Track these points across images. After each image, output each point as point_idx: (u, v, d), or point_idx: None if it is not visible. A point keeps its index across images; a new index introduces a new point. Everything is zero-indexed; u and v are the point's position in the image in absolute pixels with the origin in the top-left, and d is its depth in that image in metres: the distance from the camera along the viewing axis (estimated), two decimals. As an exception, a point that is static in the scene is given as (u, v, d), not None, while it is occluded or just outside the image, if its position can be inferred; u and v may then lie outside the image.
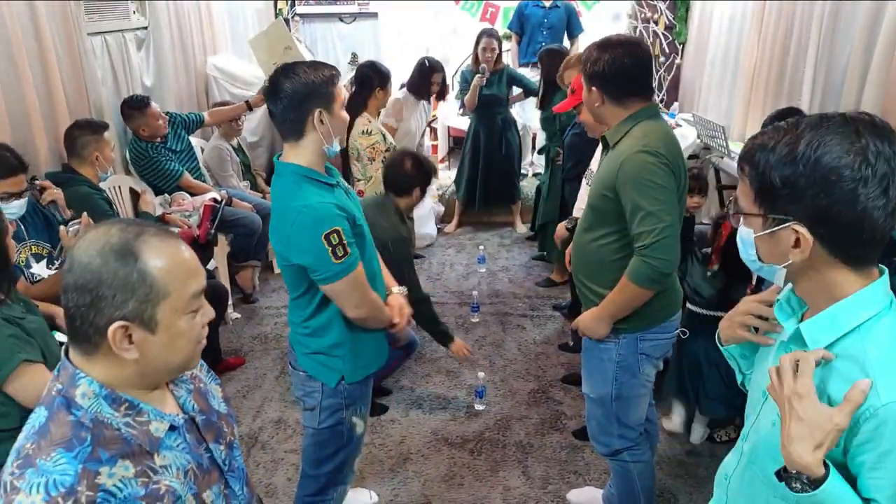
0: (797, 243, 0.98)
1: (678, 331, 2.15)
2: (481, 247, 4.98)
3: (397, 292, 2.13)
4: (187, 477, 1.03)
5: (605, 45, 1.95)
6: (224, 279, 3.92)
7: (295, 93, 1.75)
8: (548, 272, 4.66)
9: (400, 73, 4.68)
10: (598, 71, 1.92)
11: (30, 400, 1.67)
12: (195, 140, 4.33)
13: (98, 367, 0.97)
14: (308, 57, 4.86)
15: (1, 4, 2.86)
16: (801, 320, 1.07)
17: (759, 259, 1.06)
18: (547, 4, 5.54)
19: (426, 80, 4.26)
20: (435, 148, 6.26)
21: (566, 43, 5.62)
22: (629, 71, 1.91)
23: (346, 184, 1.98)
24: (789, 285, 1.11)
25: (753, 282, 2.59)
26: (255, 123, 4.95)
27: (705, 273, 2.76)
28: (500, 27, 6.42)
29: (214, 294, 3.42)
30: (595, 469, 2.80)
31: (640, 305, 1.96)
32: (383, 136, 3.38)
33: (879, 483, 0.93)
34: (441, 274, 4.76)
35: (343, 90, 1.86)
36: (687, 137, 4.47)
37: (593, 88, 1.95)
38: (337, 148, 1.87)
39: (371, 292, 1.91)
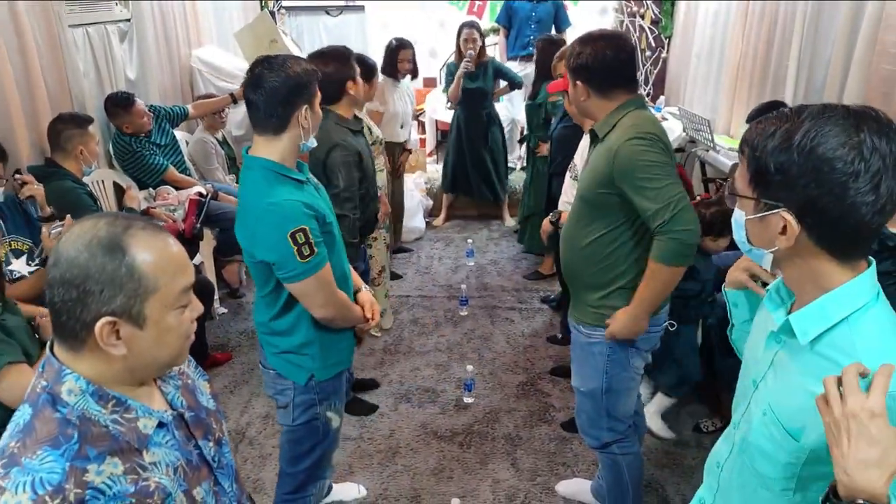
0: (784, 230, 0.98)
1: (667, 323, 2.16)
2: (470, 240, 4.98)
3: (366, 290, 2.12)
4: (177, 474, 1.01)
5: (588, 39, 1.95)
6: (210, 274, 3.89)
7: (283, 88, 1.72)
8: (536, 265, 4.67)
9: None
10: (582, 64, 1.92)
11: (14, 400, 1.65)
12: (180, 134, 4.28)
13: (85, 363, 0.95)
14: (294, 50, 4.83)
15: (-21, -4, 2.81)
16: (790, 311, 1.08)
17: (749, 242, 1.07)
18: None
19: (394, 58, 4.25)
20: (423, 141, 6.26)
21: (554, 37, 5.62)
22: (612, 63, 1.91)
23: (316, 180, 1.96)
24: (780, 276, 1.11)
25: None
26: (240, 117, 4.90)
27: None
28: (488, 21, 6.42)
29: (200, 289, 3.39)
30: (583, 460, 2.82)
31: (632, 299, 1.97)
32: (369, 129, 3.37)
33: None
34: (430, 267, 4.75)
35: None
36: (673, 131, 4.49)
37: (578, 83, 1.95)
38: (312, 143, 1.86)
39: (338, 292, 1.88)
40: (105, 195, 3.62)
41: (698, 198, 3.34)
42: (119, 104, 3.65)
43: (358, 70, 2.68)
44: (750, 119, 2.99)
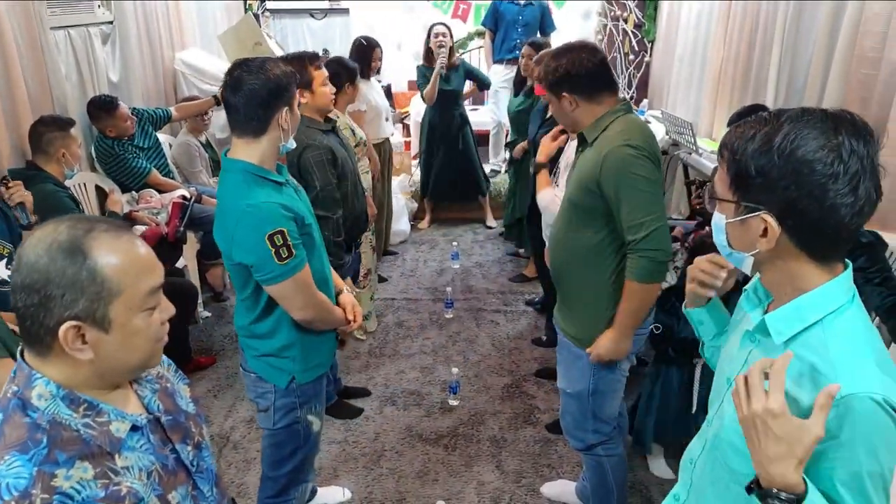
0: (765, 232, 0.99)
1: (651, 326, 2.18)
2: (455, 243, 4.99)
3: (348, 292, 2.11)
4: (151, 478, 1.01)
5: (560, 51, 1.98)
6: (194, 277, 3.86)
7: (263, 90, 1.72)
8: (520, 268, 4.68)
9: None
10: (563, 74, 1.93)
11: None
12: (163, 136, 4.26)
13: (53, 368, 0.94)
14: (279, 53, 4.81)
15: (-42, -3, 2.78)
16: (766, 311, 1.09)
17: (729, 245, 1.07)
18: (522, 2, 5.54)
19: (367, 57, 4.26)
20: (408, 145, 6.25)
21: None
22: (591, 67, 1.94)
23: (296, 182, 1.96)
24: (757, 275, 1.13)
25: None
26: (223, 120, 4.87)
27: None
28: (473, 24, 6.44)
29: (184, 292, 3.37)
30: (568, 462, 2.83)
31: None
32: (352, 130, 3.36)
33: (835, 472, 0.94)
34: (415, 270, 4.76)
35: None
36: (656, 134, 4.52)
37: (564, 94, 1.95)
38: (292, 144, 1.86)
39: (318, 294, 1.87)
40: (87, 198, 3.59)
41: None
42: (102, 108, 3.62)
43: (317, 77, 2.60)
44: (731, 122, 3.02)
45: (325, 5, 6.72)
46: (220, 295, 4.27)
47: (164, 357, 1.18)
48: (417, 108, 6.22)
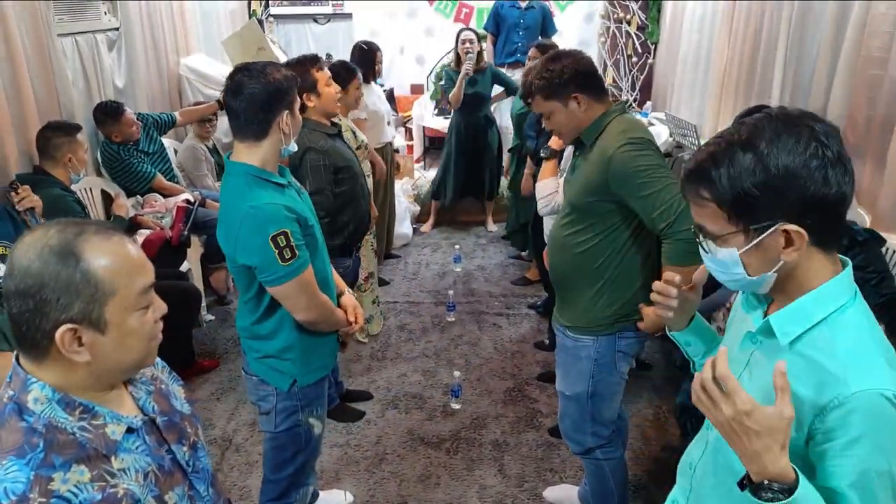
0: (789, 242, 0.97)
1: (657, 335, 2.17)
2: (457, 246, 5.00)
3: (349, 294, 2.12)
4: (147, 479, 1.01)
5: (555, 56, 1.98)
6: (197, 281, 3.88)
7: (263, 94, 1.73)
8: (523, 271, 4.68)
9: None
10: (573, 73, 1.92)
11: None
12: (168, 141, 4.29)
13: (49, 372, 0.95)
14: (282, 58, 4.84)
15: (-35, 5, 2.81)
16: (766, 312, 1.09)
17: (747, 274, 1.03)
18: (523, 5, 5.56)
19: (371, 61, 4.28)
20: (410, 148, 6.26)
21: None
22: (591, 66, 1.97)
23: (298, 184, 1.97)
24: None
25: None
26: (227, 124, 4.91)
27: None
28: (475, 28, 6.45)
29: (188, 296, 3.39)
30: (571, 466, 2.82)
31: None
32: (353, 133, 3.38)
33: (843, 471, 0.94)
34: (417, 273, 4.76)
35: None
36: (660, 136, 4.53)
37: (574, 95, 1.92)
38: (293, 147, 1.87)
39: (320, 295, 1.88)
40: (93, 203, 3.63)
41: None
42: (108, 113, 3.66)
43: (321, 79, 2.63)
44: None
45: (328, 10, 6.75)
46: (224, 298, 4.29)
47: (158, 359, 1.19)
48: (419, 112, 6.25)
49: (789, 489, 0.90)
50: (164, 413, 1.10)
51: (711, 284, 1.43)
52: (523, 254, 4.90)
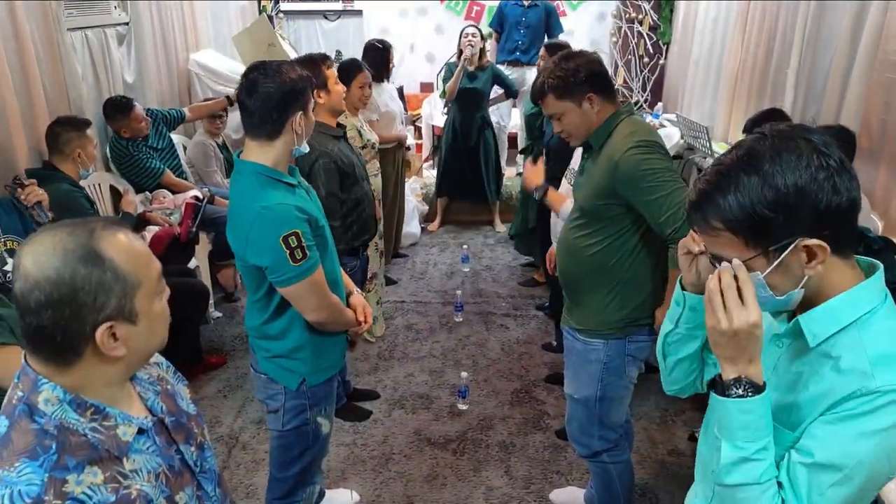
0: (811, 257, 0.97)
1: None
2: (465, 246, 4.98)
3: (358, 293, 2.11)
4: (159, 480, 1.01)
5: (567, 56, 1.96)
6: (205, 278, 3.88)
7: (278, 93, 1.72)
8: (531, 272, 4.66)
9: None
10: (588, 73, 1.90)
11: (4, 379, 1.65)
12: (177, 137, 4.29)
13: (73, 376, 0.95)
14: (292, 54, 4.83)
15: (-23, -1, 2.81)
16: (792, 314, 1.08)
17: (774, 296, 1.02)
18: (526, 3, 5.52)
19: (385, 58, 4.25)
20: (420, 147, 6.25)
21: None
22: (604, 68, 1.96)
23: (308, 184, 1.96)
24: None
25: None
26: (237, 121, 4.90)
27: None
28: (485, 25, 6.43)
29: (196, 293, 3.39)
30: (577, 469, 2.81)
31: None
32: (359, 132, 3.36)
33: (830, 442, 0.96)
34: (425, 273, 4.75)
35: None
36: (671, 138, 4.49)
37: (589, 95, 1.91)
38: (305, 149, 1.86)
39: (331, 295, 1.88)
40: (102, 198, 3.62)
41: None
42: (118, 109, 3.65)
43: (331, 77, 2.64)
44: (746, 129, 2.98)
45: (339, 7, 6.74)
46: (232, 295, 4.29)
47: (163, 359, 1.20)
48: (428, 111, 6.23)
49: (761, 388, 0.98)
50: (172, 413, 1.10)
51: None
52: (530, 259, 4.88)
